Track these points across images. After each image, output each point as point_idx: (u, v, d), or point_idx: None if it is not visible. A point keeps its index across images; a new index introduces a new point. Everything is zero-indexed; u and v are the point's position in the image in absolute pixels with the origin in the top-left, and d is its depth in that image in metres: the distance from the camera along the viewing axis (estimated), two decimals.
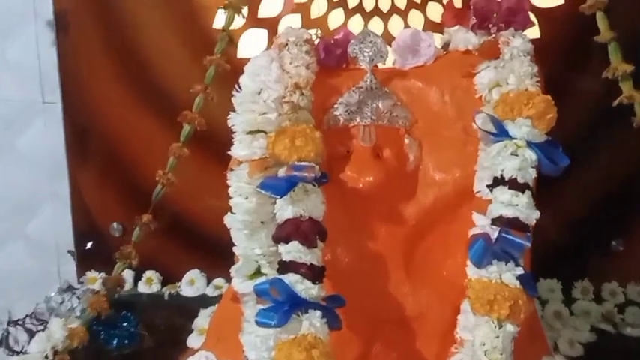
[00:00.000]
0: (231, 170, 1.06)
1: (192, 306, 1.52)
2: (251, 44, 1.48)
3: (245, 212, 1.03)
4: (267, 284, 0.92)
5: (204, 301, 1.54)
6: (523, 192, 0.96)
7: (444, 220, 1.08)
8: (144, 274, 1.62)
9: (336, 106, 1.09)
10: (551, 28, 1.40)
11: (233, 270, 1.06)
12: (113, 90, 1.54)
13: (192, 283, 1.60)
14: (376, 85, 1.08)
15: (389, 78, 1.11)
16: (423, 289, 1.07)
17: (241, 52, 1.49)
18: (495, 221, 0.96)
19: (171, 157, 1.30)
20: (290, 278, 0.92)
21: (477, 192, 1.02)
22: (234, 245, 1.05)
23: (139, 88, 1.54)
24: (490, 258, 0.92)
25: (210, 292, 1.59)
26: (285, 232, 0.97)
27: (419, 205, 1.08)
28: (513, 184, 0.96)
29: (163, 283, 1.62)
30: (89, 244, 1.67)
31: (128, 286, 1.60)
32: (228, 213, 1.05)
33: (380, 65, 1.11)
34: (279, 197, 0.95)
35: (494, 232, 0.95)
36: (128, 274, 1.60)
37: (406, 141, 1.09)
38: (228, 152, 1.05)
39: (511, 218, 0.94)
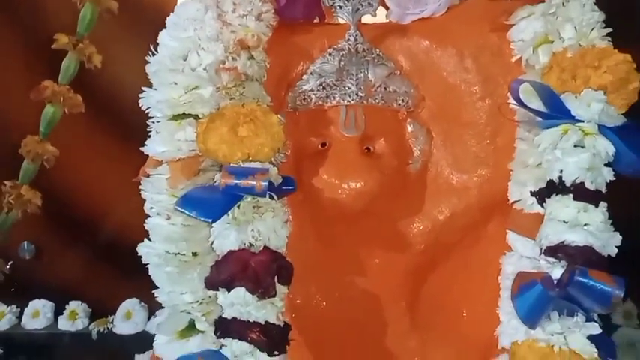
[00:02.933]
0: (146, 176, 0.73)
1: (128, 347, 1.27)
2: None
3: (167, 240, 0.74)
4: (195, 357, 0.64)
5: (143, 339, 1.26)
6: (596, 204, 0.66)
7: (463, 241, 0.84)
8: (66, 307, 1.36)
9: (305, 77, 0.83)
10: None
11: (155, 325, 0.75)
12: None
13: (128, 317, 1.34)
14: (364, 46, 0.83)
15: (382, 36, 0.85)
16: (435, 345, 0.84)
17: None
18: (553, 251, 0.66)
19: (48, 105, 0.85)
20: (234, 347, 0.66)
21: (514, 202, 0.77)
22: (156, 288, 0.76)
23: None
24: (548, 310, 0.60)
25: (153, 328, 1.32)
26: (225, 274, 0.69)
27: (429, 221, 0.84)
28: (580, 192, 0.67)
29: (92, 318, 1.36)
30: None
31: (46, 321, 1.34)
32: (145, 240, 0.75)
33: (369, 19, 0.85)
34: (210, 221, 0.61)
35: (552, 270, 0.62)
36: (46, 307, 1.33)
37: (409, 128, 0.83)
38: (142, 149, 0.74)
39: (580, 247, 0.64)
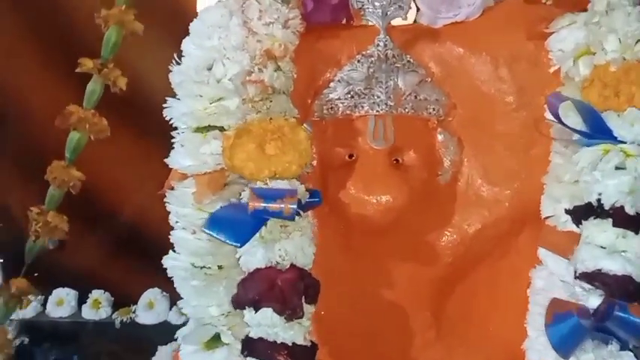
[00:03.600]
0: (171, 189, 0.71)
1: (151, 336, 1.28)
2: None
3: (193, 254, 0.73)
4: None
5: (165, 330, 1.27)
6: (636, 230, 0.63)
7: (493, 254, 0.82)
8: (89, 296, 1.36)
9: (332, 85, 0.80)
10: None
11: (180, 335, 0.76)
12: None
13: (150, 307, 1.35)
14: (394, 52, 0.79)
15: (413, 41, 0.81)
16: (461, 357, 0.83)
17: None
18: (588, 277, 0.64)
19: (72, 131, 0.82)
20: None
21: (547, 217, 0.74)
22: (182, 299, 0.75)
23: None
24: (583, 342, 0.58)
25: (175, 318, 1.33)
26: (252, 293, 0.67)
27: (458, 234, 0.81)
28: (620, 217, 0.64)
29: (114, 307, 1.37)
30: None
31: (70, 309, 1.35)
32: (170, 252, 0.74)
33: (399, 21, 0.82)
34: (238, 245, 0.60)
35: (587, 298, 0.60)
36: (70, 296, 1.35)
37: (439, 137, 0.81)
38: (166, 160, 0.72)
39: (618, 277, 0.62)
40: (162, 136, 0.74)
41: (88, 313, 1.33)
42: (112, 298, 1.36)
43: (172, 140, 0.73)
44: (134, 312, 1.33)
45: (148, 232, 1.29)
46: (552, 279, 0.72)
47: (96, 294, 1.35)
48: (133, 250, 1.31)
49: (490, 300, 0.82)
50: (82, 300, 1.36)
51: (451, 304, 0.82)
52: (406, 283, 0.81)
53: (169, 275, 0.76)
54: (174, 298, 1.31)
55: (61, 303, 1.36)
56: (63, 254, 1.23)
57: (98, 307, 1.34)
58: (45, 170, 0.74)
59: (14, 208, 1.13)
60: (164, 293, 1.34)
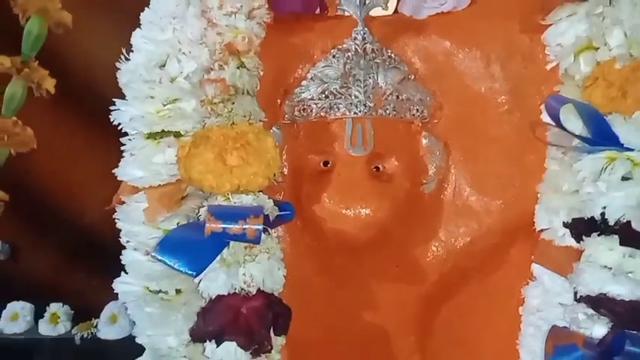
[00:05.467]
0: (121, 204, 0.64)
1: (115, 353, 1.23)
2: None
3: (147, 277, 0.66)
4: None
5: (130, 345, 1.17)
6: None
7: (483, 269, 0.77)
8: (47, 309, 1.29)
9: (304, 83, 0.74)
10: None
11: None
12: None
13: (113, 321, 1.29)
14: (373, 45, 0.74)
15: (394, 34, 0.76)
16: None
17: None
18: (592, 302, 0.59)
19: None
20: None
21: (542, 230, 0.70)
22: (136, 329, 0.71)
23: None
24: None
25: None
26: (214, 324, 0.61)
27: (444, 248, 0.76)
28: (628, 234, 0.58)
29: (74, 322, 1.30)
30: None
31: (25, 325, 1.28)
32: (122, 275, 0.67)
33: (379, 12, 0.77)
34: (193, 275, 0.52)
35: (592, 326, 0.54)
36: (25, 309, 1.28)
37: (424, 142, 0.75)
38: (114, 171, 0.65)
39: (627, 302, 0.57)
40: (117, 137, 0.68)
41: (46, 328, 1.27)
42: (72, 312, 1.29)
43: (122, 148, 0.66)
44: (95, 326, 1.26)
45: (109, 240, 1.23)
46: (548, 298, 0.68)
47: (54, 307, 1.28)
48: (93, 259, 1.23)
49: (479, 320, 0.77)
50: (38, 314, 1.29)
51: (437, 326, 0.77)
52: (388, 306, 0.77)
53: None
54: None
55: (16, 317, 1.29)
56: (16, 264, 1.19)
57: (56, 321, 1.27)
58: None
59: None
60: None
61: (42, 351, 1.23)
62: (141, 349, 1.05)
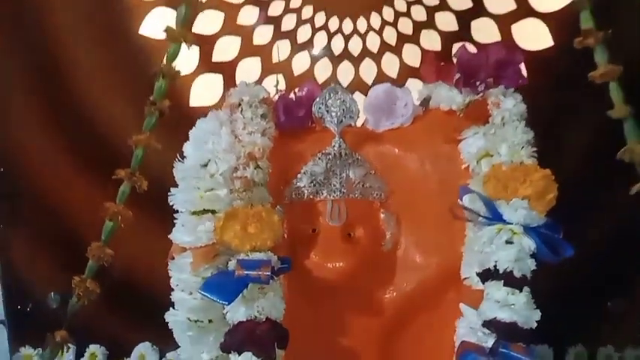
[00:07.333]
0: (172, 259, 0.89)
1: None
2: (205, 91, 1.33)
3: (189, 310, 0.89)
4: None
5: None
6: (521, 289, 0.82)
7: (426, 308, 0.98)
8: (86, 350, 1.44)
9: (299, 176, 0.97)
10: (542, 71, 1.25)
11: None
12: (47, 147, 1.36)
13: None
14: (346, 151, 0.96)
15: (361, 142, 0.99)
16: None
17: (194, 100, 1.33)
18: (489, 325, 0.83)
19: (108, 221, 1.03)
20: None
21: (465, 278, 0.91)
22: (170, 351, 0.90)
23: (75, 141, 1.36)
24: None
25: None
26: (237, 340, 0.83)
27: (398, 291, 0.97)
28: (509, 279, 0.82)
29: None
30: (29, 306, 1.48)
31: None
32: (171, 309, 0.91)
33: (352, 122, 0.98)
34: (226, 303, 0.78)
35: (487, 340, 0.80)
36: (69, 350, 1.41)
37: (382, 216, 0.97)
38: (169, 236, 0.89)
39: (507, 323, 0.80)
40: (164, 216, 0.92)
41: None
42: (107, 352, 1.44)
43: (174, 221, 0.91)
44: None
45: (139, 289, 1.39)
46: (469, 328, 0.87)
47: (93, 348, 1.43)
48: (126, 305, 1.41)
49: (425, 346, 0.95)
50: (79, 354, 1.43)
51: (394, 350, 0.96)
52: (358, 332, 0.95)
53: (168, 328, 0.92)
54: (163, 350, 1.42)
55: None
56: (64, 310, 1.32)
57: None
58: (85, 249, 0.91)
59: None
60: (154, 347, 1.43)
61: None
62: None
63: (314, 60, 1.32)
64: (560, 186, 0.86)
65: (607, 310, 1.45)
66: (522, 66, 0.97)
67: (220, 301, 0.79)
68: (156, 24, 1.27)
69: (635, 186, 0.84)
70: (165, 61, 0.84)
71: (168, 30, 0.84)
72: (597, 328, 1.45)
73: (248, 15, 1.31)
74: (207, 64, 1.31)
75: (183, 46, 1.03)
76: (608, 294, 1.45)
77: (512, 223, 0.84)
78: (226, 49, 1.33)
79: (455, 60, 0.97)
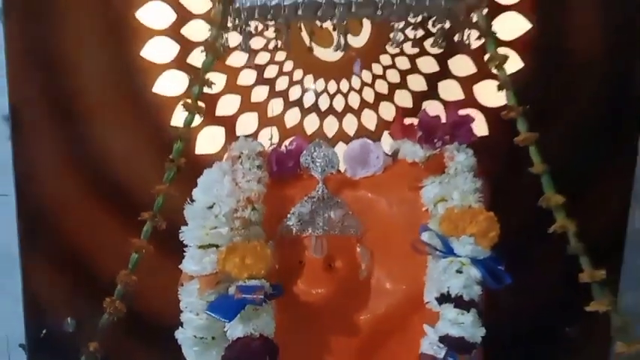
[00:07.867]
0: (182, 285, 1.06)
1: None
2: (208, 141, 1.52)
3: (196, 329, 1.03)
4: None
5: None
6: (468, 310, 0.98)
7: (396, 328, 1.10)
8: None
9: (289, 216, 1.08)
10: (499, 126, 1.44)
11: None
12: (70, 186, 1.53)
13: None
14: (328, 195, 1.09)
15: (340, 187, 1.13)
16: None
17: (199, 149, 1.52)
18: (443, 339, 0.99)
19: (134, 253, 1.18)
20: None
21: (427, 302, 1.04)
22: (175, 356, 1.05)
23: (96, 184, 1.54)
24: None
25: None
26: (235, 353, 0.97)
27: (372, 314, 1.10)
28: (459, 302, 0.98)
29: None
30: (43, 332, 1.62)
31: None
32: (180, 328, 1.05)
33: (333, 171, 1.12)
34: (227, 321, 0.95)
35: (441, 352, 0.97)
36: None
37: (358, 250, 1.09)
38: (180, 266, 1.06)
39: (457, 337, 0.97)
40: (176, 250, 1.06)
41: None
42: None
43: (184, 253, 1.06)
44: None
45: (150, 318, 1.53)
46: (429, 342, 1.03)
47: None
48: (140, 331, 1.52)
49: None
50: None
51: None
52: (338, 350, 1.07)
53: (177, 345, 1.06)
54: None
55: None
56: (80, 337, 1.47)
57: None
58: (114, 277, 1.07)
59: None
60: None
61: None
62: None
63: (303, 115, 1.53)
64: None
65: (565, 335, 1.58)
66: (473, 125, 1.17)
67: (222, 320, 0.95)
68: (167, 84, 1.47)
69: (552, 226, 1.02)
70: (182, 126, 1.03)
71: (185, 104, 1.03)
72: (555, 353, 1.56)
73: (247, 77, 1.51)
74: (211, 118, 1.50)
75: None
76: (566, 320, 1.56)
77: (461, 256, 0.98)
78: (228, 105, 1.52)
79: (418, 121, 1.16)
